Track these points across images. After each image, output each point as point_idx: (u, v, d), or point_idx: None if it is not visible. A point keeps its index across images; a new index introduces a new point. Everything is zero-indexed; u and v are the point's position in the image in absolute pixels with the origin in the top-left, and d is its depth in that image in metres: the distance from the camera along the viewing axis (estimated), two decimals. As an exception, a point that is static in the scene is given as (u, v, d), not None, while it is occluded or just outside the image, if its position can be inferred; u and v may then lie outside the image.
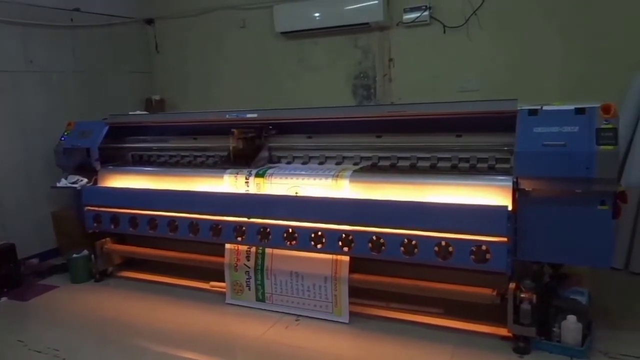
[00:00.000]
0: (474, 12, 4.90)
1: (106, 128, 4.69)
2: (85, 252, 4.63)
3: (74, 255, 4.64)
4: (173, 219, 4.10)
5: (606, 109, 2.84)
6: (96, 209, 4.49)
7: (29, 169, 4.60)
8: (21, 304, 4.29)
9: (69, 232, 4.94)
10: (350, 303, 3.59)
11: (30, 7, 5.11)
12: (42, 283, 4.70)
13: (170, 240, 4.26)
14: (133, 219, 4.30)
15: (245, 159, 4.05)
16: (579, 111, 2.92)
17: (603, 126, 2.81)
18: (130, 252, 4.69)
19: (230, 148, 4.11)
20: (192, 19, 6.35)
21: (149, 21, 6.65)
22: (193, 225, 4.01)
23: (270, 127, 4.15)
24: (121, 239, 4.71)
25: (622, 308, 3.61)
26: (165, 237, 4.22)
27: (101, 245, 4.61)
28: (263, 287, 3.86)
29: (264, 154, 4.15)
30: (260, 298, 3.89)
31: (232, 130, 4.08)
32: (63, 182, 4.64)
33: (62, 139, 4.81)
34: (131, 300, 4.23)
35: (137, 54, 6.59)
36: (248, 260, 3.88)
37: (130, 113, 5.16)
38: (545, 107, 3.05)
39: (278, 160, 4.17)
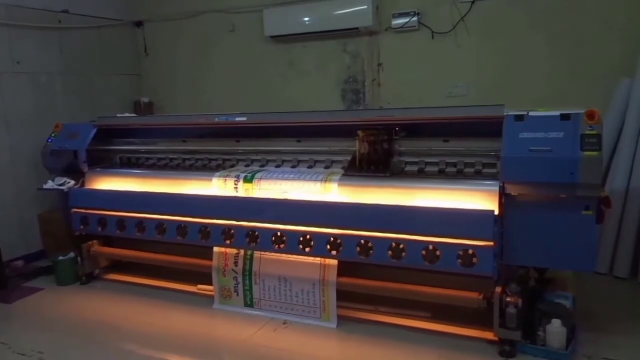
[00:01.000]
0: (462, 18, 4.95)
1: (94, 130, 4.66)
2: (72, 254, 4.58)
3: (60, 258, 4.59)
4: (161, 221, 4.08)
5: (591, 115, 2.89)
6: (83, 211, 4.46)
7: (15, 171, 4.57)
8: (5, 306, 4.24)
9: (55, 234, 4.90)
10: (338, 306, 3.60)
11: (17, 8, 5.08)
12: (27, 285, 4.65)
13: (157, 242, 4.24)
14: (120, 221, 4.28)
15: None
16: (564, 117, 2.96)
17: (587, 132, 2.86)
18: (117, 255, 4.66)
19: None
20: (182, 22, 6.34)
21: (138, 24, 6.63)
22: (181, 228, 4.00)
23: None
24: (107, 241, 4.68)
25: (606, 312, 3.66)
26: (153, 240, 4.20)
27: (88, 247, 4.58)
28: (251, 293, 3.85)
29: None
30: (249, 303, 3.88)
31: None
32: (50, 184, 4.60)
33: (50, 140, 4.76)
34: (117, 303, 4.20)
35: (126, 57, 6.57)
36: (236, 265, 3.87)
37: (119, 115, 5.14)
38: (531, 113, 3.08)
39: (250, 163, 4.18)
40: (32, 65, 5.26)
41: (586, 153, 2.82)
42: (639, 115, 4.13)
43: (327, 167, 3.87)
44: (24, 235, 5.10)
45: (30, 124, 5.14)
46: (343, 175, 3.59)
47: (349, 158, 3.80)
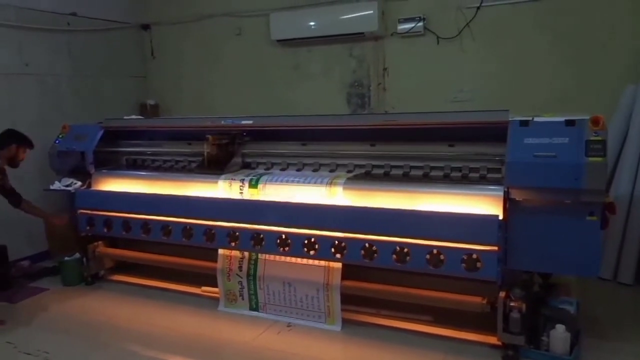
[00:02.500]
0: (467, 24, 4.97)
1: (101, 132, 4.70)
2: (77, 255, 4.61)
3: (66, 258, 4.62)
4: (167, 223, 4.11)
5: (595, 121, 2.90)
6: (89, 212, 4.49)
7: (22, 171, 4.59)
8: (11, 306, 4.27)
9: (61, 235, 4.91)
10: (342, 310, 3.61)
11: (26, 10, 5.13)
12: (32, 285, 4.67)
13: (162, 244, 4.26)
14: (126, 222, 4.31)
15: (218, 165, 4.12)
16: (569, 123, 2.98)
17: (592, 138, 2.87)
18: (122, 256, 4.69)
19: (205, 154, 4.17)
20: (189, 25, 6.38)
21: (145, 27, 6.67)
22: (187, 230, 4.02)
23: (244, 133, 4.22)
24: (113, 242, 4.71)
25: (610, 318, 3.66)
26: (158, 242, 4.22)
27: (93, 248, 4.61)
28: (256, 297, 3.88)
29: (237, 159, 4.20)
30: (254, 307, 3.90)
31: (207, 136, 4.15)
32: (57, 185, 4.64)
33: (57, 141, 4.80)
34: (122, 304, 4.22)
35: (133, 59, 6.61)
36: (240, 270, 3.89)
37: (125, 117, 5.17)
38: (536, 119, 3.10)
39: (256, 166, 4.20)
40: (40, 67, 5.31)
41: (591, 159, 2.83)
42: (644, 122, 4.13)
43: (332, 171, 3.89)
44: (30, 236, 5.13)
45: (38, 125, 5.17)
46: (348, 179, 3.61)
47: (354, 162, 3.82)
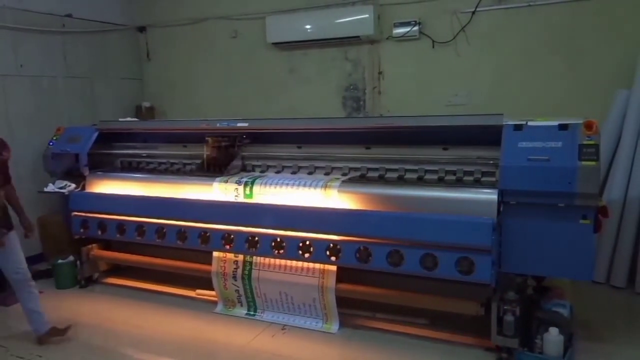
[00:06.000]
0: (462, 28, 5.00)
1: (96, 134, 4.69)
2: (71, 257, 4.60)
3: (60, 261, 4.61)
4: (161, 225, 4.10)
5: (588, 126, 2.93)
6: (83, 214, 4.48)
7: (16, 173, 4.54)
8: (4, 309, 4.25)
9: (55, 238, 4.89)
10: (338, 313, 3.62)
11: (21, 12, 5.12)
12: (26, 288, 4.64)
13: (157, 247, 4.26)
14: (120, 225, 4.30)
15: (218, 167, 4.13)
16: (563, 127, 3.01)
17: (585, 142, 2.90)
18: (117, 259, 4.67)
19: (204, 156, 4.17)
20: (184, 28, 6.38)
21: (141, 29, 6.67)
22: (181, 232, 4.01)
23: (244, 136, 4.21)
24: (107, 245, 4.69)
25: (603, 321, 3.68)
26: (153, 244, 4.21)
27: (87, 251, 4.59)
28: (255, 304, 3.91)
29: (237, 162, 4.20)
30: (252, 313, 3.92)
31: (206, 138, 4.15)
32: (51, 187, 4.62)
33: (51, 143, 4.79)
34: (116, 307, 4.21)
35: (128, 61, 6.60)
36: (235, 280, 3.90)
37: (120, 119, 5.16)
38: (530, 123, 3.12)
39: (252, 169, 4.21)
40: (35, 68, 5.30)
41: (584, 163, 2.85)
42: (636, 126, 4.17)
43: (327, 174, 3.90)
44: (24, 238, 5.09)
45: (32, 127, 5.16)
46: (343, 181, 3.62)
47: (349, 165, 3.83)
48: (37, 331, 3.60)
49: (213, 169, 4.16)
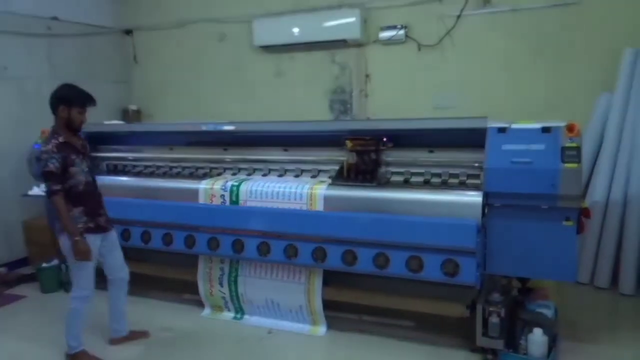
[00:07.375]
0: (448, 32, 5.04)
1: (81, 137, 4.63)
2: (56, 261, 4.56)
3: (44, 265, 4.56)
4: (146, 229, 4.07)
5: (571, 128, 2.96)
6: (68, 218, 4.42)
7: (0, 176, 4.53)
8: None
9: (40, 242, 4.86)
10: (325, 316, 3.63)
11: (5, 14, 5.07)
12: (9, 293, 4.60)
13: (143, 250, 4.22)
14: (106, 228, 4.25)
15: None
16: (545, 130, 3.03)
17: (568, 145, 2.93)
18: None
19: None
20: (172, 31, 6.36)
21: (128, 32, 6.64)
22: (167, 236, 3.99)
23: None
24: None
25: (587, 321, 3.72)
26: (139, 248, 4.18)
27: (72, 255, 4.54)
28: (242, 311, 3.93)
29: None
30: (239, 318, 3.93)
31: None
32: (35, 190, 4.58)
33: (36, 146, 4.73)
34: (101, 311, 4.16)
35: (115, 64, 6.57)
36: (222, 286, 3.90)
37: (106, 122, 5.13)
38: (513, 125, 3.15)
39: (237, 171, 4.20)
40: (20, 71, 5.25)
41: (566, 165, 2.89)
42: (618, 128, 4.22)
43: (313, 177, 3.90)
44: (8, 242, 5.06)
45: (16, 129, 5.11)
46: (329, 185, 3.62)
47: (336, 167, 3.83)
48: (118, 333, 3.62)
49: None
